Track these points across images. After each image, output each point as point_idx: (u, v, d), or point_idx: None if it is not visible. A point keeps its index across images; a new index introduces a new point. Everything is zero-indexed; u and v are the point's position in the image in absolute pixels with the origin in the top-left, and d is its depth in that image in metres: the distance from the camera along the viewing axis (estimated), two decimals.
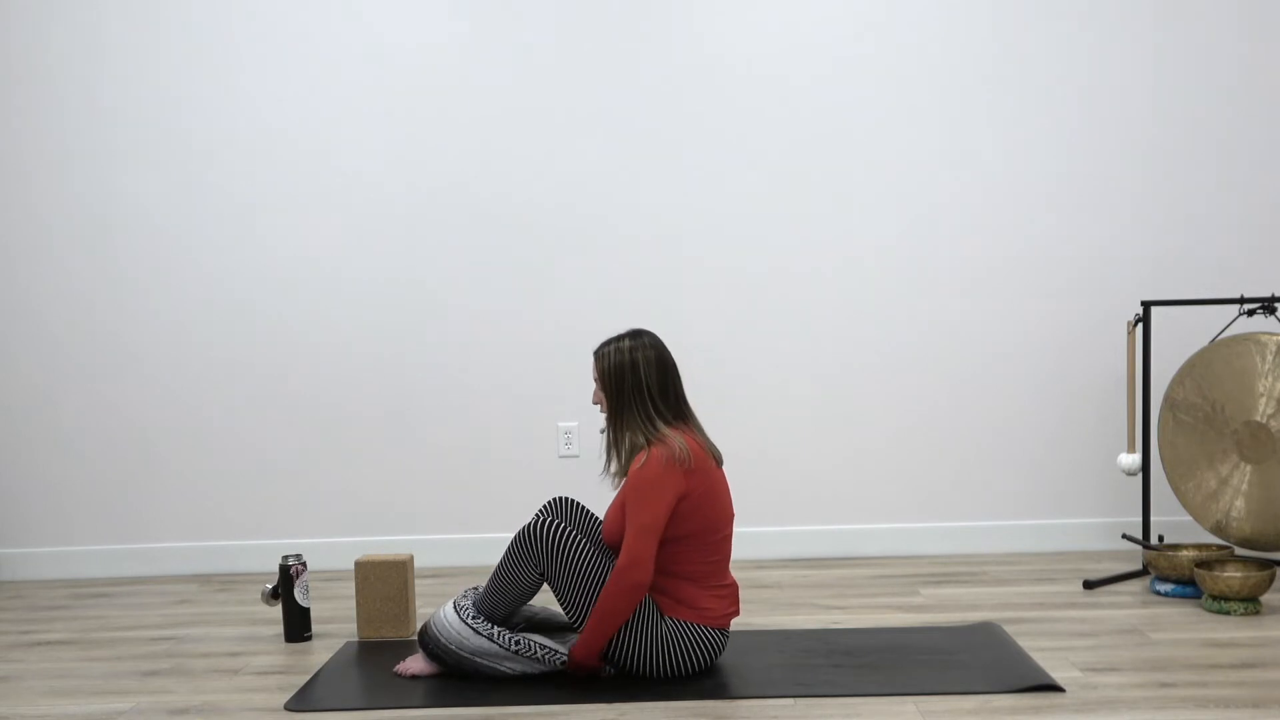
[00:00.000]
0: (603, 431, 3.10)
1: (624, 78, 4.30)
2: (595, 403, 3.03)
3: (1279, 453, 3.69)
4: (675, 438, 2.89)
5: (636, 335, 2.99)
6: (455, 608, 2.99)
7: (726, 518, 2.95)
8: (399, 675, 3.03)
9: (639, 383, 2.94)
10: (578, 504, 3.20)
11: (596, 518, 3.21)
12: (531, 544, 2.89)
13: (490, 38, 4.31)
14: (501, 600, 2.94)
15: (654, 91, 4.31)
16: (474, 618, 2.95)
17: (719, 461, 2.99)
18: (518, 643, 2.91)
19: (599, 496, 4.38)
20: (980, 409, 4.34)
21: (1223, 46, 4.24)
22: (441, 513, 4.42)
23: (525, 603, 3.00)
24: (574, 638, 3.00)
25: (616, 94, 4.31)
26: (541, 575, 2.91)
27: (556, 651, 2.91)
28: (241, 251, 4.38)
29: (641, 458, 2.87)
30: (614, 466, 3.01)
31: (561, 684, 2.91)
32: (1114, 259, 4.30)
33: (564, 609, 2.95)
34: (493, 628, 2.93)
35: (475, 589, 3.09)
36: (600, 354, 2.99)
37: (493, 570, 2.94)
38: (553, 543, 2.88)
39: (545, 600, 3.83)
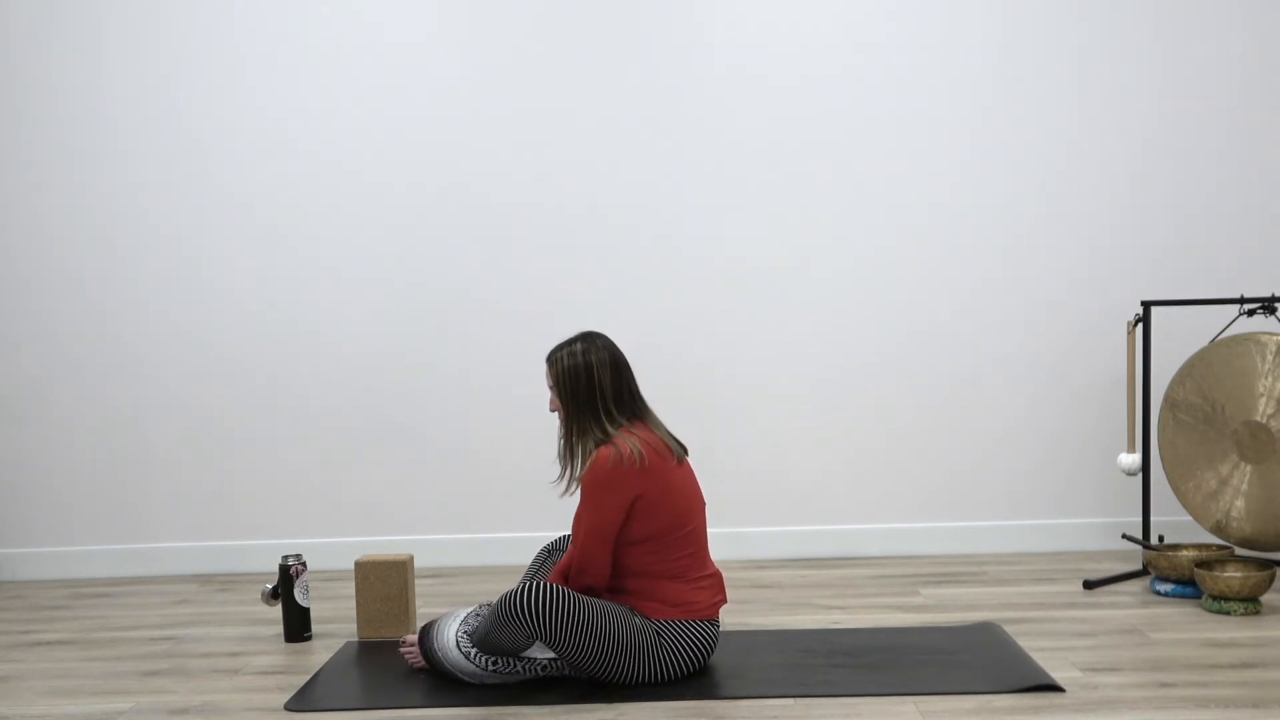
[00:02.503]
0: (560, 436, 3.08)
1: (623, 78, 4.30)
2: (553, 410, 3.02)
3: (1279, 453, 3.69)
4: (627, 439, 2.87)
5: (588, 338, 2.97)
6: (459, 622, 2.98)
7: (691, 510, 2.92)
8: (402, 648, 3.06)
9: (593, 386, 2.93)
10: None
11: None
12: (518, 618, 2.80)
13: (491, 38, 4.32)
14: (496, 652, 2.89)
15: (654, 93, 4.31)
16: (463, 635, 2.94)
17: (681, 455, 2.97)
18: (494, 662, 2.89)
19: None
20: (980, 409, 4.34)
21: (1223, 46, 4.25)
22: (441, 513, 4.42)
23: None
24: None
25: (617, 95, 4.31)
26: (533, 639, 2.84)
27: (535, 660, 2.90)
28: (242, 252, 4.38)
29: (592, 458, 2.87)
30: (570, 472, 3.01)
31: (561, 684, 2.91)
32: (1114, 259, 4.30)
33: (567, 662, 2.88)
34: (473, 648, 2.91)
35: (490, 605, 3.06)
36: (553, 359, 2.97)
37: (487, 618, 2.88)
38: (538, 616, 2.79)
39: None
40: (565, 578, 2.99)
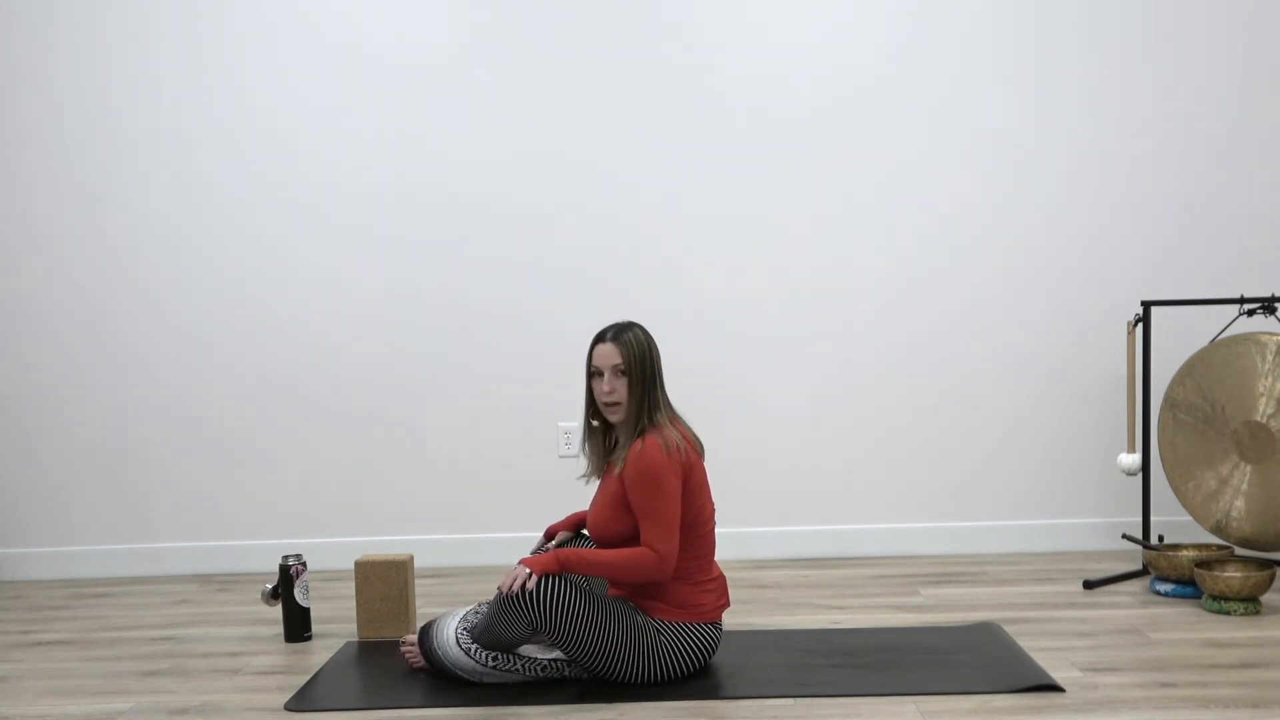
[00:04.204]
0: (592, 424, 3.03)
1: (625, 78, 4.30)
2: (607, 391, 2.88)
3: (1279, 453, 3.69)
4: (668, 429, 2.88)
5: (638, 324, 2.96)
6: (458, 620, 2.98)
7: (711, 510, 2.94)
8: (403, 648, 3.06)
9: (656, 370, 2.92)
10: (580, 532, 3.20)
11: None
12: (518, 606, 2.79)
13: (491, 36, 4.32)
14: (496, 645, 2.89)
15: (655, 91, 4.31)
16: (463, 632, 2.94)
17: (701, 453, 2.98)
18: (494, 658, 2.89)
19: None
20: (980, 409, 4.34)
21: (1223, 46, 4.24)
22: (441, 513, 4.42)
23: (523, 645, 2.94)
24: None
25: (618, 94, 4.31)
26: (534, 630, 2.83)
27: (535, 660, 2.90)
28: (242, 252, 4.38)
29: (638, 447, 2.84)
30: (613, 458, 2.98)
31: (561, 685, 2.91)
32: (1114, 259, 4.30)
33: (565, 655, 2.89)
34: (473, 643, 2.91)
35: (490, 602, 3.06)
36: (625, 340, 2.88)
37: (488, 610, 2.88)
38: (538, 605, 2.78)
39: None
40: (621, 564, 2.83)
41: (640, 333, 2.93)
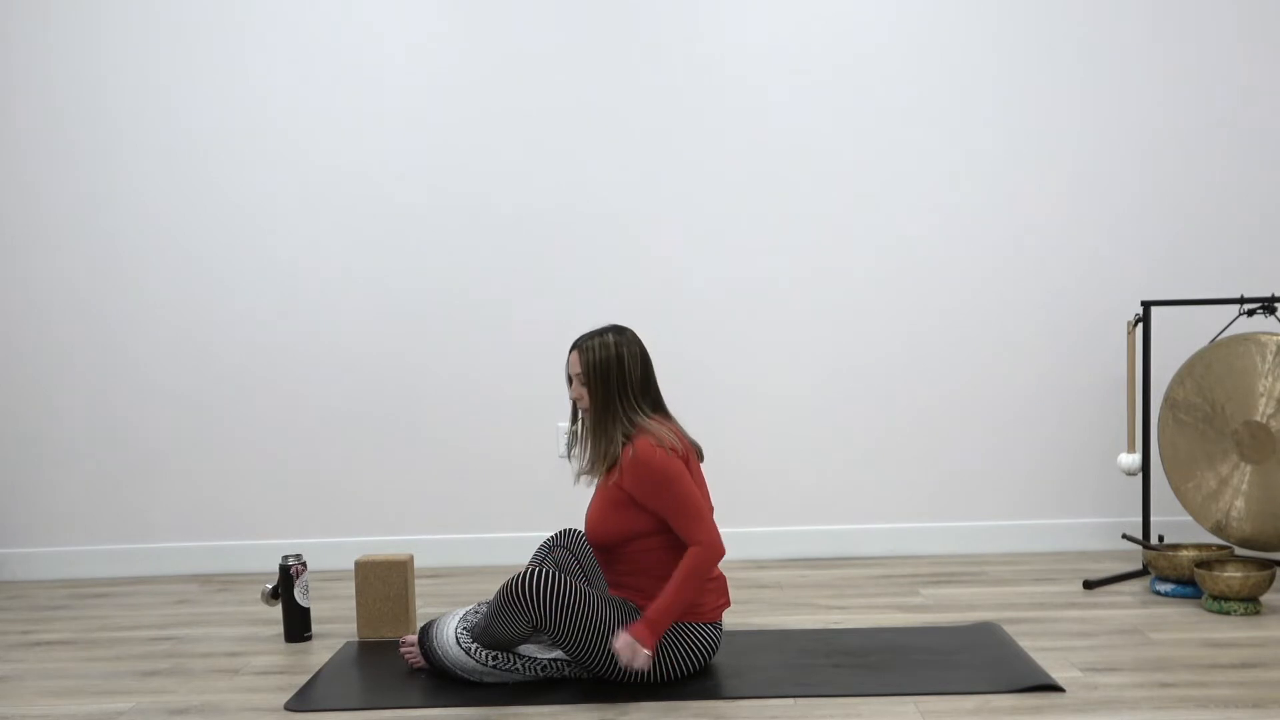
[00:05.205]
0: (573, 428, 3.06)
1: (624, 80, 4.30)
2: (574, 397, 2.98)
3: (1279, 453, 3.69)
4: (656, 427, 2.89)
5: (619, 330, 2.96)
6: (458, 620, 2.98)
7: (709, 509, 2.94)
8: (402, 648, 3.06)
9: (624, 377, 2.92)
10: (581, 533, 3.19)
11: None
12: (519, 603, 2.80)
13: (491, 38, 4.32)
14: (496, 644, 2.89)
15: (654, 94, 4.31)
16: (462, 631, 2.94)
17: (700, 456, 3.00)
18: (495, 657, 2.89)
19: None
20: (980, 409, 4.34)
21: (1223, 46, 4.24)
22: (441, 513, 4.42)
23: (523, 644, 2.94)
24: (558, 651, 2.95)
25: (617, 96, 4.31)
26: (534, 628, 2.84)
27: (535, 660, 2.90)
28: (242, 252, 4.38)
29: (629, 453, 2.85)
30: (589, 462, 2.99)
31: (561, 685, 2.91)
32: (1114, 259, 4.30)
33: (566, 654, 2.89)
34: (473, 643, 2.92)
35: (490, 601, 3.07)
36: (586, 347, 2.94)
37: (488, 608, 2.89)
38: (539, 602, 2.79)
39: None
40: (683, 586, 2.82)
41: (610, 338, 2.93)
